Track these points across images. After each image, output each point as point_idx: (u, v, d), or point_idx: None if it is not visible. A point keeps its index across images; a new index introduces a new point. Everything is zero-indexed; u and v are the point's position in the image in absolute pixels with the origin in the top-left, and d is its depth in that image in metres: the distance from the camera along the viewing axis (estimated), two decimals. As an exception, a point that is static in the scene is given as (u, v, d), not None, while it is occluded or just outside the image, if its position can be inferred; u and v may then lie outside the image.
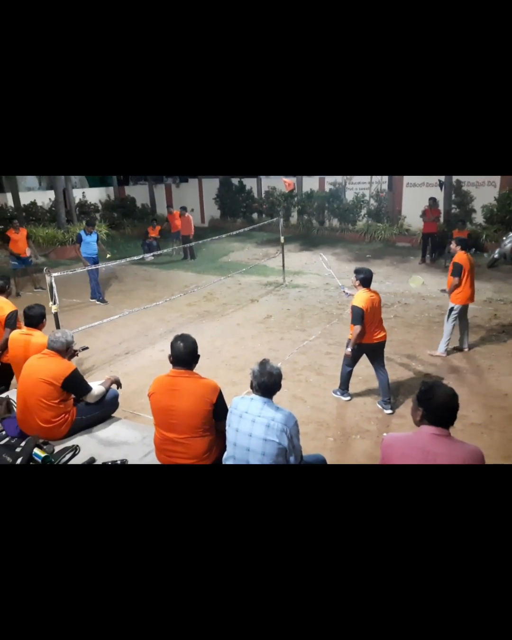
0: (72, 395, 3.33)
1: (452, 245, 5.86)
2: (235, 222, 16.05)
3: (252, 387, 2.52)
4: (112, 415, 3.60)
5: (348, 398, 4.83)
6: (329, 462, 3.01)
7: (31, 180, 16.56)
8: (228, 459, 2.60)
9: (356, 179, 14.54)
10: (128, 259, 7.44)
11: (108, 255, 8.77)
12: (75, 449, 3.09)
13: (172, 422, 2.71)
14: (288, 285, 9.39)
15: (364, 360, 4.66)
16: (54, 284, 4.94)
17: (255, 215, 16.08)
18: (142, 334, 6.94)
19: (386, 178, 13.62)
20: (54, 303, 4.98)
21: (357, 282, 4.45)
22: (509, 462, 3.72)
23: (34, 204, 13.65)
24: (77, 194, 14.81)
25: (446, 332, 5.76)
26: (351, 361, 4.62)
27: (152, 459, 2.93)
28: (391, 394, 4.67)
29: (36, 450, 2.91)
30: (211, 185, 17.10)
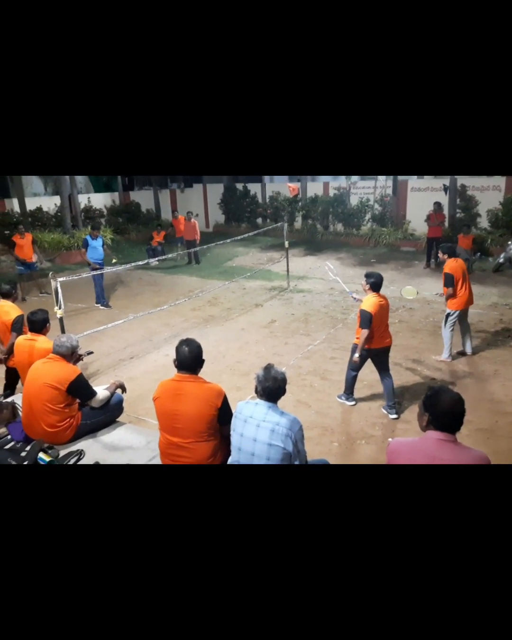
0: (77, 400, 3.33)
1: (440, 255, 5.82)
2: (240, 227, 16.10)
3: (256, 391, 2.52)
4: (117, 419, 3.60)
5: (353, 403, 4.81)
6: (334, 467, 3.00)
7: (37, 185, 16.68)
8: (232, 463, 2.60)
9: (361, 183, 14.57)
10: (133, 264, 7.48)
11: (114, 260, 8.80)
12: (80, 453, 3.09)
13: (176, 426, 2.71)
14: (292, 290, 9.40)
15: (368, 365, 4.65)
16: (59, 289, 4.96)
17: (259, 220, 16.12)
18: (147, 338, 6.95)
19: (390, 182, 13.63)
20: (59, 308, 5.00)
21: (368, 286, 4.45)
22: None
23: (39, 209, 13.75)
24: (82, 200, 14.89)
25: (445, 338, 5.74)
26: (356, 366, 4.61)
27: (157, 464, 2.92)
28: (395, 398, 4.65)
29: (41, 455, 2.92)
30: (216, 190, 17.17)
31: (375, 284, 4.43)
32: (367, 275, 4.49)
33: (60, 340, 3.31)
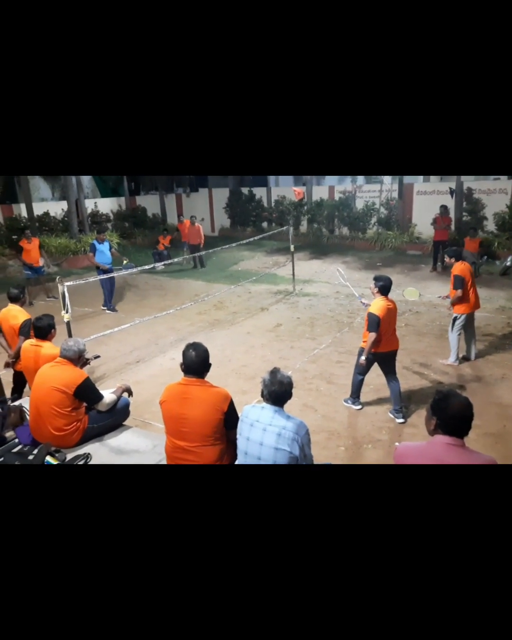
0: (84, 404, 3.35)
1: (447, 259, 5.81)
2: (246, 231, 16.13)
3: (262, 395, 2.52)
4: (124, 423, 3.61)
5: (359, 407, 4.80)
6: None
7: (44, 190, 16.81)
8: (239, 468, 2.60)
9: (366, 187, 14.59)
10: (139, 268, 7.50)
11: (125, 261, 8.85)
12: (87, 457, 3.10)
13: (183, 430, 2.71)
14: (298, 293, 9.40)
15: (375, 369, 4.63)
16: (66, 293, 4.99)
17: (265, 224, 16.14)
18: (153, 342, 6.97)
19: (396, 186, 13.62)
20: (67, 312, 5.03)
21: (376, 290, 4.44)
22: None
23: (47, 214, 13.85)
24: (89, 205, 15.00)
25: (452, 342, 5.72)
26: (363, 370, 4.60)
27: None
28: (402, 402, 4.63)
29: (48, 458, 2.93)
30: (221, 194, 17.22)
31: (384, 287, 4.42)
32: (376, 279, 4.49)
33: (67, 344, 3.33)
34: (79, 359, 3.37)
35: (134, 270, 7.67)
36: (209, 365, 2.84)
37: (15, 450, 3.21)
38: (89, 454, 3.14)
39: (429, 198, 13.06)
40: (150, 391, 5.05)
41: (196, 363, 2.76)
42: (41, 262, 9.32)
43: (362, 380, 4.70)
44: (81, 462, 3.04)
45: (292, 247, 9.55)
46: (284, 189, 16.27)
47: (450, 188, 12.43)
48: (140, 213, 16.64)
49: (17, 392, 4.52)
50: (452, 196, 12.33)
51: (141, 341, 7.00)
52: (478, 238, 10.61)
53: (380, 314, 4.27)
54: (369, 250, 13.25)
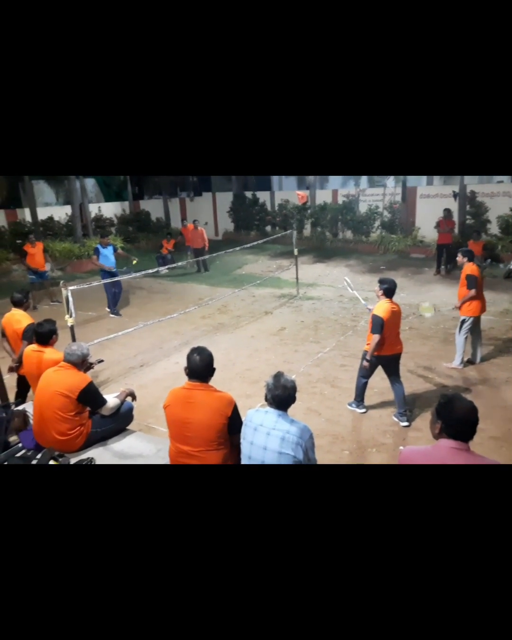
0: (88, 408, 3.34)
1: (459, 258, 5.77)
2: (249, 234, 16.16)
3: (266, 399, 2.51)
4: (127, 428, 3.61)
5: (363, 411, 4.78)
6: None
7: (48, 195, 16.88)
8: (243, 472, 2.58)
9: (369, 190, 14.59)
10: (143, 272, 7.52)
11: (135, 261, 8.86)
12: (90, 461, 3.10)
13: (187, 435, 2.70)
14: (302, 297, 9.39)
15: (379, 373, 4.62)
16: (70, 297, 5.00)
17: (268, 228, 16.16)
18: (157, 346, 6.97)
19: (399, 189, 13.62)
20: (70, 316, 5.04)
21: (381, 292, 4.44)
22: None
23: (51, 218, 13.91)
24: (93, 209, 15.06)
25: (458, 345, 5.70)
26: (367, 373, 4.59)
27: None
28: (407, 406, 4.61)
29: (52, 462, 2.93)
30: (225, 198, 17.27)
31: (388, 290, 4.42)
32: (381, 281, 4.49)
33: (71, 349, 3.33)
34: (82, 364, 3.37)
35: (137, 274, 7.68)
36: (213, 369, 2.83)
37: (18, 454, 3.21)
38: (92, 458, 3.13)
39: (433, 201, 13.05)
40: (154, 395, 5.05)
41: (201, 367, 2.76)
42: (45, 267, 9.34)
43: (366, 384, 4.69)
44: (85, 467, 3.04)
45: (295, 251, 9.55)
46: (288, 192, 16.31)
47: (453, 191, 12.42)
48: (144, 217, 16.69)
49: (21, 396, 4.53)
50: (455, 199, 12.32)
51: (145, 345, 7.00)
52: (482, 241, 10.59)
53: (384, 317, 4.27)
54: (373, 253, 13.24)
